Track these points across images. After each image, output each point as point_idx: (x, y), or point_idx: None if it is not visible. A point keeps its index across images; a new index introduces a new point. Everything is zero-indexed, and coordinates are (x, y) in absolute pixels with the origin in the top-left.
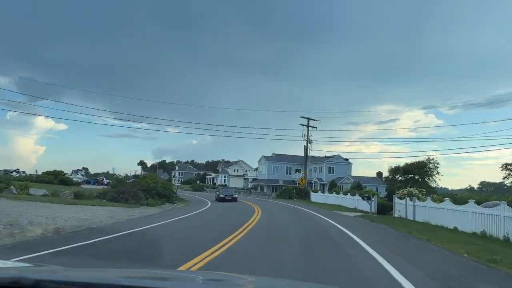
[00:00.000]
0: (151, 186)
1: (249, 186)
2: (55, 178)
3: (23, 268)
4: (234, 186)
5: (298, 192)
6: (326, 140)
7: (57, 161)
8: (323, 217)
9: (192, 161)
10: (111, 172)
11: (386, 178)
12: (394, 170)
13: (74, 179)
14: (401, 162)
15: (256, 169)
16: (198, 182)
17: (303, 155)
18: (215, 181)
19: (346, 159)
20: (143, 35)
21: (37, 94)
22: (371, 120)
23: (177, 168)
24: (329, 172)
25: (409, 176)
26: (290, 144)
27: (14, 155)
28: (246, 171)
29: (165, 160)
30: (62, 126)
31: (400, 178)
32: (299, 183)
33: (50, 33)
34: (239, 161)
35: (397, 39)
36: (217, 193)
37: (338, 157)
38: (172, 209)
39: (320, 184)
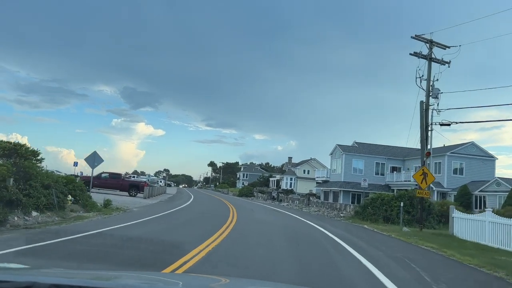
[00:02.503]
0: None
1: (314, 192)
2: None
3: (30, 272)
4: (303, 192)
5: (409, 209)
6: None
7: (153, 164)
8: None
9: (267, 163)
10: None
11: None
12: None
13: None
14: None
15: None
16: (243, 183)
17: (402, 145)
18: (280, 184)
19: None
20: (233, 45)
21: (139, 102)
22: (471, 127)
23: (242, 169)
24: (455, 173)
25: None
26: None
27: (118, 158)
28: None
29: (237, 162)
30: (160, 132)
31: None
32: (419, 188)
33: (149, 46)
34: (310, 159)
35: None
36: None
37: (472, 145)
38: None
39: (438, 192)
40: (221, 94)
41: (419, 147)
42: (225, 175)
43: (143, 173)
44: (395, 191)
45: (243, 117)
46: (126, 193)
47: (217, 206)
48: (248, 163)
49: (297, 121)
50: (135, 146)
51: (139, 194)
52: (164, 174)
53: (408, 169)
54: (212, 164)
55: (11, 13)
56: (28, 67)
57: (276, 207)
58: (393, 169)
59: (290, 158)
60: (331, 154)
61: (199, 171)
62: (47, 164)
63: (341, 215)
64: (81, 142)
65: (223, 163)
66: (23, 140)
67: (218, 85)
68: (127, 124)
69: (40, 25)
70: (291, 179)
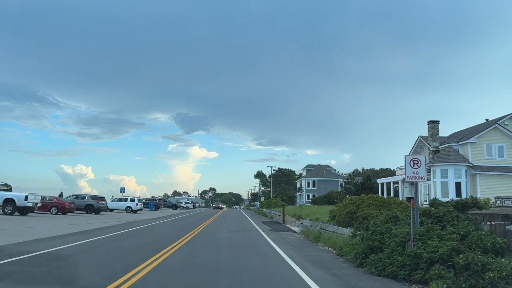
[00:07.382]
0: None
1: None
2: None
3: None
4: None
5: None
6: None
7: (209, 185)
8: None
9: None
10: None
11: None
12: None
13: None
14: None
15: None
16: (308, 197)
17: None
18: (403, 192)
19: None
20: (279, 61)
21: (191, 126)
22: None
23: (303, 174)
24: None
25: None
26: None
27: (176, 182)
28: None
29: (294, 171)
30: (213, 154)
31: None
32: None
33: (198, 72)
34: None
35: None
36: None
37: None
38: None
39: None
40: (270, 112)
41: None
42: (278, 187)
43: (185, 193)
44: None
45: (293, 134)
46: None
47: None
48: (314, 165)
49: (349, 133)
50: (191, 169)
51: None
52: (210, 194)
53: None
54: (260, 175)
55: (68, 55)
56: (87, 101)
57: None
58: None
59: (434, 124)
60: None
61: (246, 187)
62: (112, 191)
63: None
64: (141, 168)
65: (274, 169)
66: (88, 170)
67: (266, 103)
68: (182, 148)
69: (96, 61)
70: (457, 174)
